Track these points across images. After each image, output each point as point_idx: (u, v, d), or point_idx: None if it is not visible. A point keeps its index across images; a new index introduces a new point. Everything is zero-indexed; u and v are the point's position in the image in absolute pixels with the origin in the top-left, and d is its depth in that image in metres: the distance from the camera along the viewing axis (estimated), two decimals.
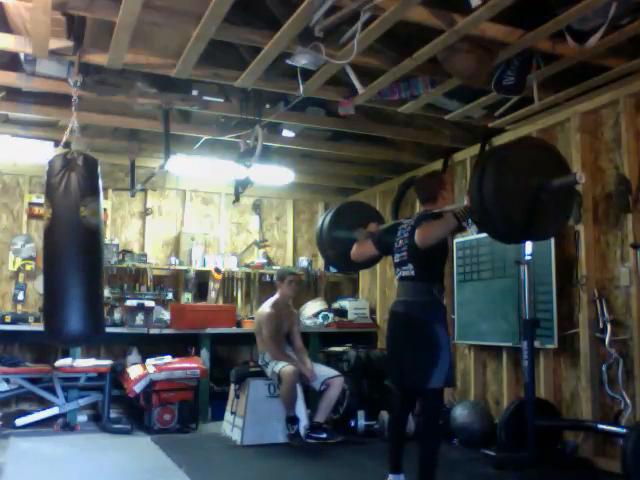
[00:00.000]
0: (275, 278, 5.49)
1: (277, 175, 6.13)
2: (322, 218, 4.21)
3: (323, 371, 5.13)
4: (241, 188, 5.27)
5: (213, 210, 6.99)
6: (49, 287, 3.53)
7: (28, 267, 5.96)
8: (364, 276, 7.12)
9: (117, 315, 5.88)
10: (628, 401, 3.93)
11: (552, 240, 4.40)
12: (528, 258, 4.32)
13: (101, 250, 3.68)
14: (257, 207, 7.15)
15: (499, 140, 5.13)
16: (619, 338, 4.05)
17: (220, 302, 6.67)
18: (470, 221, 3.33)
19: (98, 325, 3.59)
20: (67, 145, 3.80)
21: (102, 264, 3.72)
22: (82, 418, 5.50)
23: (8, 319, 5.43)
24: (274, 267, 6.86)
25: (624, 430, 3.72)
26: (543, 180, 2.95)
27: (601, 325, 4.11)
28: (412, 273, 3.39)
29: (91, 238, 3.52)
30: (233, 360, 6.37)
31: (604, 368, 4.08)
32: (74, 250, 3.45)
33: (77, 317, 3.42)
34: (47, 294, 3.56)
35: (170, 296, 6.42)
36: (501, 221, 3.00)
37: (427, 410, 3.32)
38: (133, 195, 6.16)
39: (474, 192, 2.99)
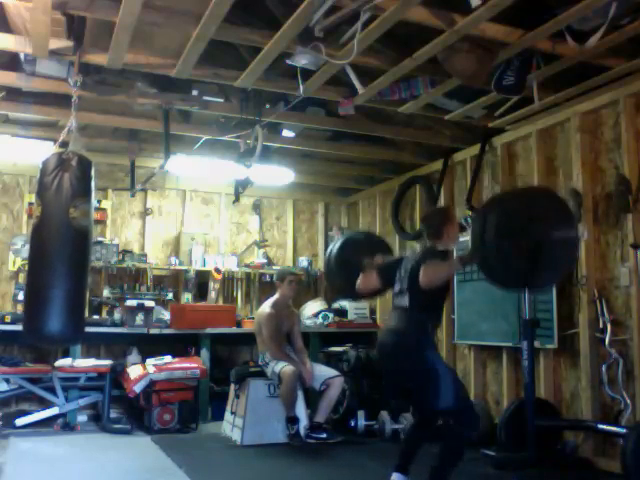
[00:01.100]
0: (275, 278, 5.49)
1: (277, 175, 6.13)
2: (330, 247, 4.31)
3: (323, 371, 5.12)
4: (241, 188, 5.27)
5: (213, 210, 6.99)
6: (31, 286, 3.47)
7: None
8: None
9: (117, 315, 5.88)
10: (628, 401, 3.93)
11: None
12: None
13: (88, 252, 3.61)
14: (257, 207, 7.15)
15: (499, 140, 5.14)
16: (619, 338, 4.05)
17: (220, 302, 6.66)
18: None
19: (78, 327, 3.53)
20: (65, 144, 3.79)
21: (88, 266, 3.63)
22: (82, 418, 5.50)
23: (8, 319, 5.42)
24: (274, 267, 6.86)
25: (624, 430, 3.72)
26: (545, 233, 2.95)
27: (601, 325, 4.11)
28: (407, 304, 3.38)
29: (79, 239, 3.46)
30: (233, 360, 6.36)
31: (604, 368, 4.07)
32: (60, 250, 3.39)
33: (57, 318, 3.36)
34: (29, 293, 3.50)
35: (170, 296, 6.42)
36: (502, 273, 3.04)
37: (451, 429, 3.31)
38: (133, 195, 6.16)
39: (476, 249, 3.07)
